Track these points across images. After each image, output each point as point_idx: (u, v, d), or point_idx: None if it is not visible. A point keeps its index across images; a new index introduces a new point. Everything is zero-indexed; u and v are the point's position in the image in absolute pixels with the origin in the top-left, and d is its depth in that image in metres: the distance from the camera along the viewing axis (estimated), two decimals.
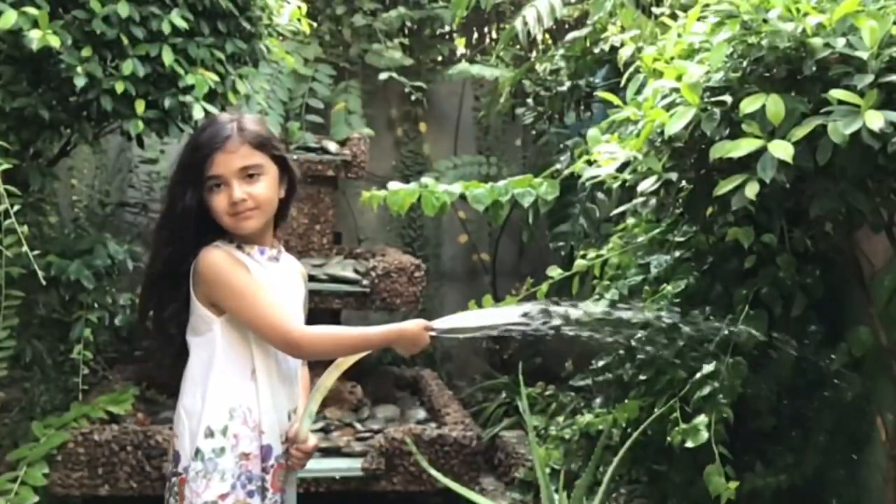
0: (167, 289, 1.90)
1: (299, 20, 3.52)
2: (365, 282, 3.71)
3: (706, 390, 2.37)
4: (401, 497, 3.36)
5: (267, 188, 1.88)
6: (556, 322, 1.95)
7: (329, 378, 1.92)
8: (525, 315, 1.92)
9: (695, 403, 2.39)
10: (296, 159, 2.82)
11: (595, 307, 2.05)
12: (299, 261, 2.11)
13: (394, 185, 3.42)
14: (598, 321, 2.03)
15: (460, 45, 5.51)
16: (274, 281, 1.91)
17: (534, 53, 5.03)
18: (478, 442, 3.29)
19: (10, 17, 2.50)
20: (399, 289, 3.73)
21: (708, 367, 2.39)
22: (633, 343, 2.41)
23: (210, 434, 1.83)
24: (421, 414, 3.80)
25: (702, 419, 2.33)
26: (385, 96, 5.18)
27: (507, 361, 4.69)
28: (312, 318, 2.02)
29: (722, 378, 2.35)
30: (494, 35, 5.48)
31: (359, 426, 3.56)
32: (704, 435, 2.30)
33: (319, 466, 3.14)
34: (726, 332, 2.40)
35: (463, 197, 3.44)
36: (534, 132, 4.49)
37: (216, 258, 1.84)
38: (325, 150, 4.31)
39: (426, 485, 3.21)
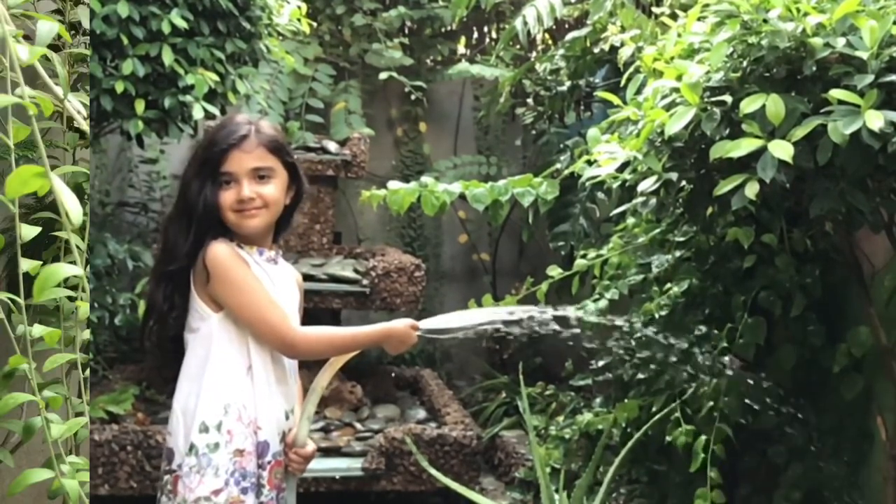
0: (178, 284, 1.89)
1: (299, 20, 3.53)
2: (365, 281, 3.71)
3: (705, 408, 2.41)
4: (401, 497, 3.36)
5: (276, 190, 1.90)
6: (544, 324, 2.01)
7: (323, 378, 1.93)
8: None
9: (700, 421, 2.41)
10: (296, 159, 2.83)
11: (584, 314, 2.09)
12: (298, 261, 2.11)
13: (394, 185, 3.41)
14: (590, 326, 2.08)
15: (460, 45, 5.50)
16: (270, 282, 1.91)
17: (534, 53, 5.03)
18: (478, 442, 3.29)
19: None
20: (399, 288, 3.73)
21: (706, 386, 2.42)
22: (623, 352, 2.43)
23: (204, 429, 1.83)
24: (421, 414, 3.80)
25: (701, 440, 2.37)
26: (385, 96, 5.18)
27: (507, 361, 4.69)
28: (312, 317, 2.03)
29: (719, 391, 2.38)
30: (494, 35, 5.47)
31: (359, 426, 3.56)
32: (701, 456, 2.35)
33: (319, 466, 3.14)
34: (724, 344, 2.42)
35: (463, 196, 3.44)
36: (534, 132, 4.48)
37: (223, 252, 1.84)
38: (325, 150, 4.30)
39: (426, 484, 3.21)
